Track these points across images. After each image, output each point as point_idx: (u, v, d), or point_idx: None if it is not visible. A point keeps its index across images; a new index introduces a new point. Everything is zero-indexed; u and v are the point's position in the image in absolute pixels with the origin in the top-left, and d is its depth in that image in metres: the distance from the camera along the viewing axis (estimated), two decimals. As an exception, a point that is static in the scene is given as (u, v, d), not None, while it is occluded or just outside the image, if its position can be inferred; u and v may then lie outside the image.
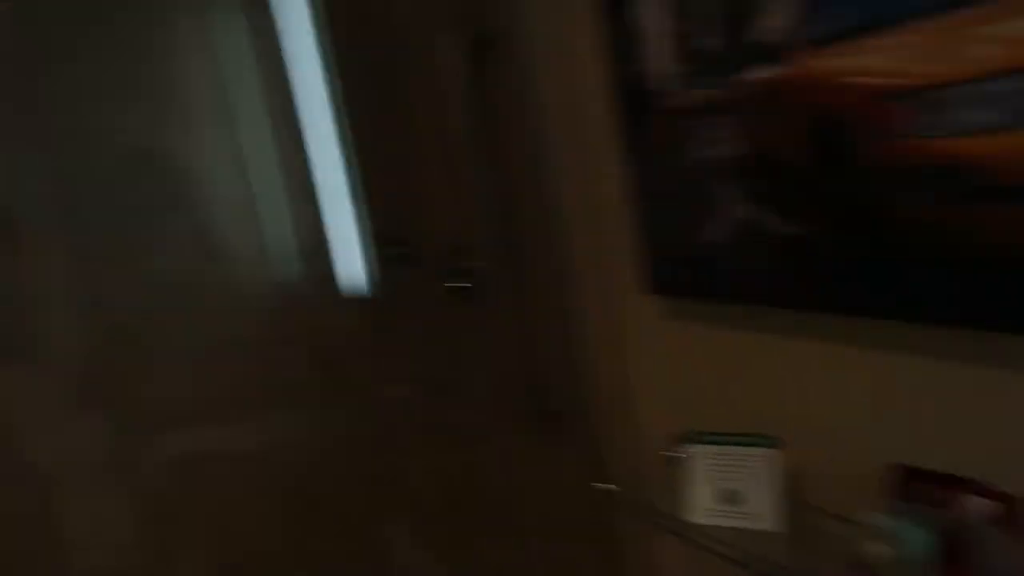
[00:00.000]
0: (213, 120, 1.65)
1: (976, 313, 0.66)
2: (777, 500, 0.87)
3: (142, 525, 1.59)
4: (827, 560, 0.78)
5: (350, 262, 1.70)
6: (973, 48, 0.59)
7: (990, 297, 0.64)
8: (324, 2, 1.59)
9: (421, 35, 1.25)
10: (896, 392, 0.79)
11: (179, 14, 1.62)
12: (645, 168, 0.94)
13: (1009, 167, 0.59)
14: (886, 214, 0.69)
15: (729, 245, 0.88)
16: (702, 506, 0.92)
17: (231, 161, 1.67)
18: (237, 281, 1.70)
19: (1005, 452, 0.70)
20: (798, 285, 0.81)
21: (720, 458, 0.92)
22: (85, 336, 1.53)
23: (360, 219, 1.66)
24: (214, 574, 1.68)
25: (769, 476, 0.88)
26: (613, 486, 1.03)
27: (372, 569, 1.81)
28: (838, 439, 0.86)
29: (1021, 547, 0.65)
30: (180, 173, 1.62)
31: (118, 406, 1.57)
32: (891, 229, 0.69)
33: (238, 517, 1.67)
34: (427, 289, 1.44)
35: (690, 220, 0.90)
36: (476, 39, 1.11)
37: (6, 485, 1.44)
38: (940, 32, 0.61)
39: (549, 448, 1.27)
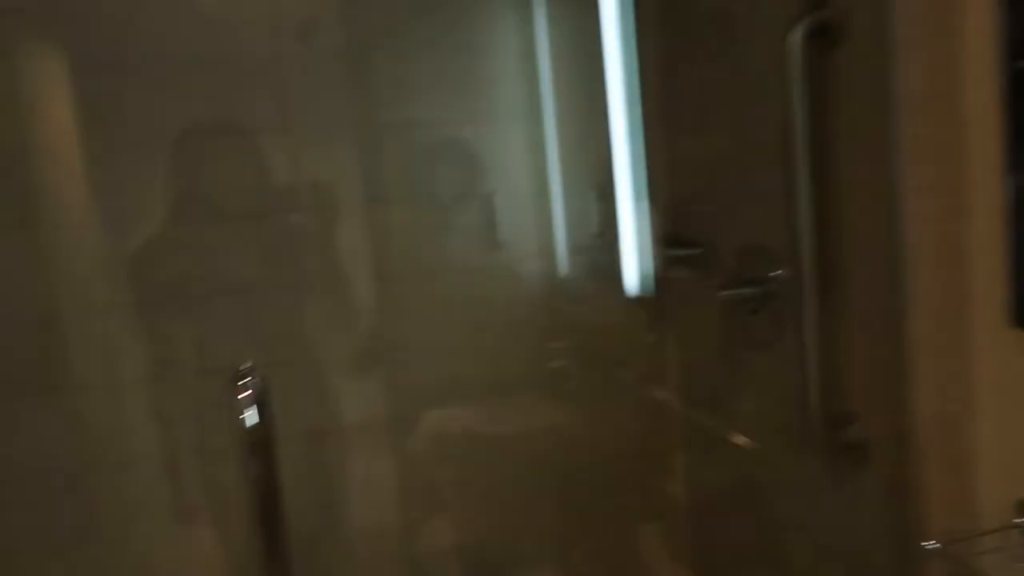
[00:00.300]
0: (518, 113, 1.69)
1: None
2: None
3: (402, 492, 1.69)
4: None
5: (634, 261, 1.67)
6: None
7: None
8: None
9: (749, 22, 1.18)
10: None
11: (499, 8, 1.68)
12: (1037, 177, 0.79)
13: None
14: None
15: None
16: (1069, 592, 0.76)
17: (530, 154, 1.71)
18: (518, 271, 1.74)
19: None
20: None
21: (1103, 538, 0.75)
22: (375, 307, 1.65)
23: (649, 218, 1.62)
24: (459, 546, 1.74)
25: None
26: (936, 543, 0.89)
27: (614, 573, 1.77)
28: None
29: None
30: (479, 163, 1.69)
31: (393, 377, 1.67)
32: None
33: (489, 497, 1.71)
34: (712, 294, 1.36)
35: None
36: (816, 26, 1.01)
37: (297, 440, 1.58)
38: None
39: (843, 483, 1.14)
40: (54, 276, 1.47)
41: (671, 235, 1.57)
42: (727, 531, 1.56)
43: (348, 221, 1.61)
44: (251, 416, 0.91)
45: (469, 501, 1.72)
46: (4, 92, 1.39)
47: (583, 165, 1.74)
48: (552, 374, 1.74)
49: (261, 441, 0.93)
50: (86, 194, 1.46)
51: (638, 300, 1.68)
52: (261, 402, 0.95)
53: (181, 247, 1.51)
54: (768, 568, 1.42)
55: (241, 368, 0.93)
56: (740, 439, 1.44)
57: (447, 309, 1.68)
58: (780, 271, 1.24)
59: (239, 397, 0.89)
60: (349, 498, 1.67)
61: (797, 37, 1.00)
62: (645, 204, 1.61)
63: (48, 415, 1.47)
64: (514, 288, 1.74)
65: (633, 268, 1.66)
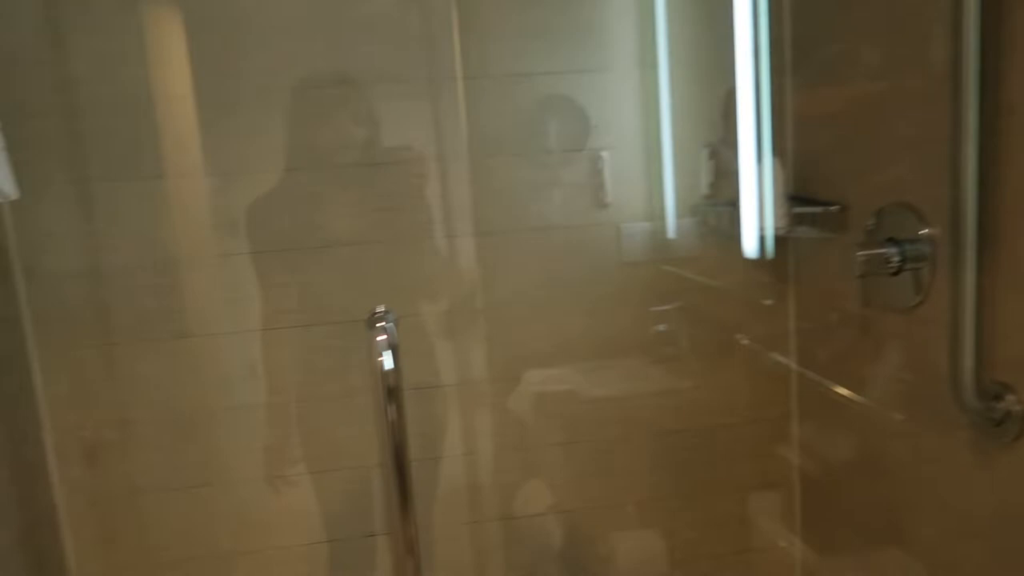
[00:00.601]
0: (631, 64, 1.63)
1: None
2: None
3: (503, 452, 1.68)
4: None
5: (754, 220, 1.59)
6: None
7: None
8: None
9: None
10: None
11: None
12: None
13: None
14: None
15: None
16: None
17: (641, 108, 1.65)
18: (625, 230, 1.69)
19: None
20: None
21: None
22: (479, 264, 1.63)
23: (772, 174, 1.54)
24: (561, 508, 1.72)
25: None
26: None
27: (722, 542, 1.73)
28: None
29: None
30: (587, 117, 1.63)
31: (496, 336, 1.65)
32: None
33: (593, 460, 1.69)
34: (846, 254, 1.29)
35: None
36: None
37: (418, 395, 1.58)
38: None
39: (991, 458, 1.07)
40: (175, 225, 1.50)
41: (797, 192, 1.49)
42: (846, 503, 1.49)
43: (454, 175, 1.58)
44: (387, 360, 0.89)
45: (572, 463, 1.70)
46: (131, 45, 1.42)
47: (696, 121, 1.66)
48: (660, 337, 1.69)
49: (395, 386, 0.91)
50: (205, 145, 1.48)
51: (756, 261, 1.61)
52: (393, 347, 0.94)
53: (294, 198, 1.52)
54: (892, 544, 1.35)
55: (376, 312, 0.92)
56: (868, 407, 1.37)
57: (551, 268, 1.65)
58: (928, 229, 1.16)
59: (378, 339, 0.87)
60: (450, 455, 1.67)
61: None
62: (768, 159, 1.53)
63: (169, 360, 1.51)
64: (620, 247, 1.69)
65: (752, 228, 1.58)
